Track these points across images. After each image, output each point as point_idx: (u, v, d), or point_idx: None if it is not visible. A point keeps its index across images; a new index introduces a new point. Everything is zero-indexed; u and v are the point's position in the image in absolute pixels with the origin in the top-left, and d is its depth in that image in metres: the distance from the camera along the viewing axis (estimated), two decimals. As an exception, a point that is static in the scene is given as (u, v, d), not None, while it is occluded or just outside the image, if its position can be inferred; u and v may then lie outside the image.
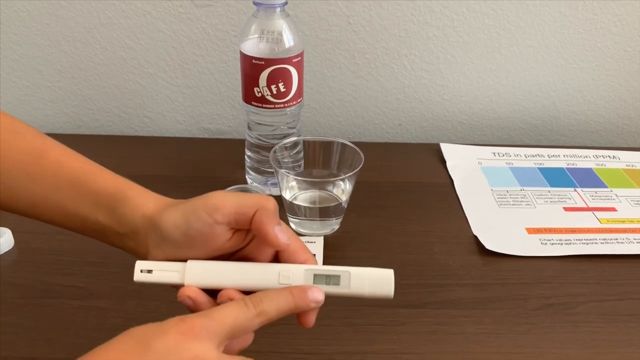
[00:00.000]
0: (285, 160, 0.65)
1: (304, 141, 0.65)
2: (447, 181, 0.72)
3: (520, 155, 0.78)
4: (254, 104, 0.62)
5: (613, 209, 0.67)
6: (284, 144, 0.63)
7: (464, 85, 0.81)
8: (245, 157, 0.68)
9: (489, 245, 0.59)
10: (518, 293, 0.54)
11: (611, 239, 0.61)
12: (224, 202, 0.37)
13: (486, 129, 0.85)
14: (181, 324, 0.34)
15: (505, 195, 0.69)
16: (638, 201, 0.68)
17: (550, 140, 0.85)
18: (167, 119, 0.84)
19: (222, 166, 0.73)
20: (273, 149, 0.61)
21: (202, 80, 0.81)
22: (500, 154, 0.78)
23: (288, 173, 0.61)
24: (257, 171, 0.67)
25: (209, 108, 0.83)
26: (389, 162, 0.76)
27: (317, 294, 0.37)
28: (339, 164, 0.62)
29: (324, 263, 0.56)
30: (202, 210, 0.37)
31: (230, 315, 0.34)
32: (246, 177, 0.69)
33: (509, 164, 0.76)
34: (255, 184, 0.68)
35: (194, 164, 0.74)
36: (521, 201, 0.68)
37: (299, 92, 0.63)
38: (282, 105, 0.62)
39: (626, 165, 0.76)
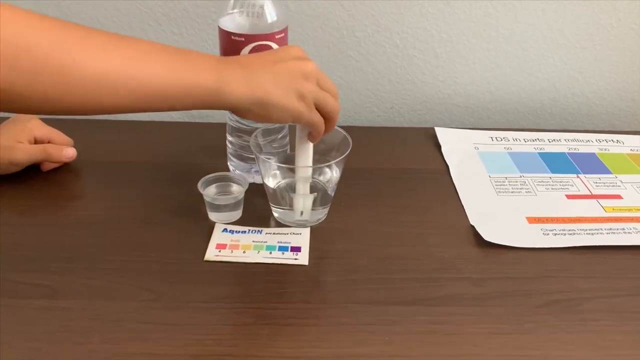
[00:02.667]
0: (270, 145, 0.60)
1: (290, 125, 0.60)
2: (442, 167, 0.68)
3: (519, 140, 0.73)
4: (234, 84, 0.58)
5: (618, 197, 0.63)
6: (267, 127, 0.58)
7: (459, 65, 0.77)
8: (227, 142, 0.63)
9: (487, 237, 0.55)
10: (520, 288, 0.50)
11: (617, 229, 0.57)
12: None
13: (483, 112, 0.80)
14: None
15: (503, 182, 0.65)
16: (644, 188, 0.64)
17: (550, 124, 0.81)
18: (144, 102, 0.78)
19: (203, 152, 0.68)
20: (254, 134, 0.56)
21: (181, 60, 0.76)
22: (498, 139, 0.74)
23: (269, 159, 0.57)
24: (240, 158, 0.62)
25: (189, 90, 0.78)
26: (380, 147, 0.72)
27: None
28: (325, 149, 0.58)
29: (311, 256, 0.52)
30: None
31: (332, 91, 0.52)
32: (228, 164, 0.64)
33: (508, 149, 0.71)
34: (237, 171, 0.63)
35: (173, 150, 0.69)
36: (521, 188, 0.63)
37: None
38: (265, 85, 0.57)
39: (630, 149, 0.72)
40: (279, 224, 0.57)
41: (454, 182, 0.64)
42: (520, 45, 0.76)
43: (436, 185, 0.64)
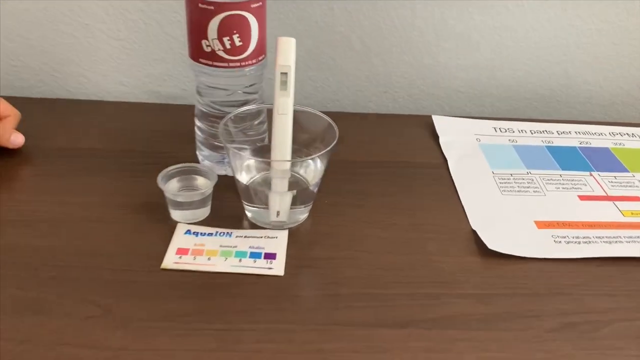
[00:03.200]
0: (244, 133, 0.53)
1: (268, 110, 0.52)
2: (440, 161, 0.60)
3: (526, 132, 0.66)
4: (203, 61, 0.49)
5: (637, 199, 0.56)
6: (239, 113, 0.50)
7: (462, 46, 0.69)
8: (195, 129, 0.55)
9: (491, 244, 0.48)
10: (530, 308, 0.43)
11: (638, 237, 0.50)
12: None
13: (486, 99, 0.73)
14: None
15: (508, 179, 0.57)
16: (666, 189, 0.58)
17: (559, 114, 0.74)
18: (108, 79, 0.70)
19: (172, 139, 0.60)
20: (223, 120, 0.48)
21: (148, 33, 0.67)
22: (502, 129, 0.66)
23: (240, 150, 0.49)
24: (211, 147, 0.54)
25: (158, 67, 0.69)
26: (371, 136, 0.64)
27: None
28: (308, 139, 0.50)
29: (287, 265, 0.45)
30: None
31: None
32: (197, 153, 0.56)
33: (513, 141, 0.64)
34: (207, 162, 0.55)
35: (138, 135, 0.61)
36: (528, 187, 0.56)
37: (260, 48, 0.50)
38: (238, 63, 0.49)
39: (648, 145, 0.65)
40: (253, 225, 0.49)
41: (453, 178, 0.57)
42: (530, 24, 0.68)
43: (433, 181, 0.57)
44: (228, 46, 0.48)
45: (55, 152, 0.58)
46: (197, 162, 0.56)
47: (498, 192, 0.55)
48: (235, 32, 0.48)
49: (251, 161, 0.51)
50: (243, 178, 0.48)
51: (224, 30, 0.47)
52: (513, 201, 0.54)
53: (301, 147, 0.50)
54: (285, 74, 0.48)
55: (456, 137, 0.64)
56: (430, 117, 0.67)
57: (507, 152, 0.62)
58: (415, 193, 0.55)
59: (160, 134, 0.62)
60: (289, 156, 0.48)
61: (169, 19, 0.66)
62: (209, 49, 0.48)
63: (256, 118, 0.53)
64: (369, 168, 0.58)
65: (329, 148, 0.47)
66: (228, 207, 0.51)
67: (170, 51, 0.68)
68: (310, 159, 0.49)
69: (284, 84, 0.48)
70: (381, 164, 0.59)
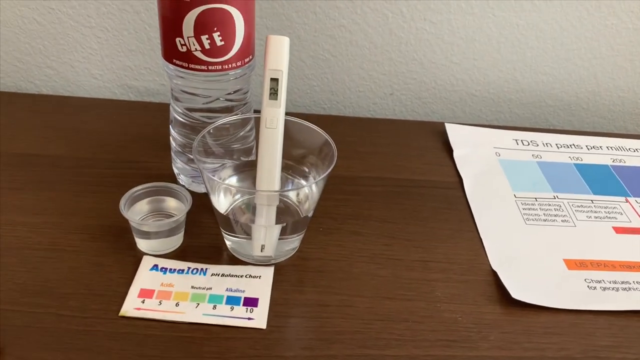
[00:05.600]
0: (227, 145, 0.45)
1: (255, 119, 0.44)
2: (453, 179, 0.52)
3: (551, 145, 0.58)
4: (177, 62, 0.41)
5: (681, 232, 0.49)
6: (219, 125, 0.42)
7: (479, 44, 0.61)
8: (170, 139, 0.47)
9: (515, 292, 0.40)
10: (561, 377, 0.36)
11: (686, 283, 0.43)
12: None
13: (504, 105, 0.65)
14: None
15: (533, 205, 0.50)
16: None
17: (585, 123, 0.66)
18: (78, 72, 0.62)
19: (147, 145, 0.53)
20: (198, 136, 0.40)
21: (123, 20, 0.59)
22: (525, 142, 0.58)
23: (219, 166, 0.41)
24: (187, 159, 0.47)
25: (134, 59, 0.61)
26: (374, 146, 0.56)
27: None
28: (303, 154, 0.43)
29: (271, 313, 0.37)
30: None
31: None
32: (173, 166, 0.49)
33: (537, 156, 0.56)
34: (183, 177, 0.48)
35: (108, 139, 0.53)
36: (555, 215, 0.49)
37: (247, 48, 0.42)
38: (220, 66, 0.41)
39: (689, 164, 0.58)
40: (233, 258, 0.42)
41: (469, 202, 0.49)
42: (557, 23, 0.60)
43: (446, 205, 0.49)
44: (207, 46, 0.40)
45: (10, 159, 0.50)
46: (173, 174, 0.49)
47: (522, 220, 0.48)
48: (215, 29, 0.39)
49: (230, 182, 0.43)
50: (221, 204, 0.41)
51: (202, 26, 0.39)
52: (539, 233, 0.46)
53: (293, 163, 0.43)
54: (276, 80, 0.40)
55: (473, 150, 0.56)
56: (442, 124, 0.59)
57: (530, 170, 0.54)
58: (423, 219, 0.47)
59: (133, 139, 0.54)
60: (277, 178, 0.40)
61: (146, 4, 0.58)
62: (184, 49, 0.40)
63: (242, 128, 0.46)
64: (370, 186, 0.51)
65: (325, 174, 0.39)
66: (205, 234, 0.43)
67: (147, 41, 0.60)
68: (302, 187, 0.41)
69: (274, 92, 0.40)
70: (384, 181, 0.51)
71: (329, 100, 0.64)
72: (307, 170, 0.43)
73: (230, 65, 0.41)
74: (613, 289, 0.42)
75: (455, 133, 0.58)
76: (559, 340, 0.38)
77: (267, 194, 0.40)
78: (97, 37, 0.59)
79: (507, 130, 0.59)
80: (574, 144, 0.58)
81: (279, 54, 0.40)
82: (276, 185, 0.40)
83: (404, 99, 0.64)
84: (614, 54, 0.61)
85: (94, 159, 0.51)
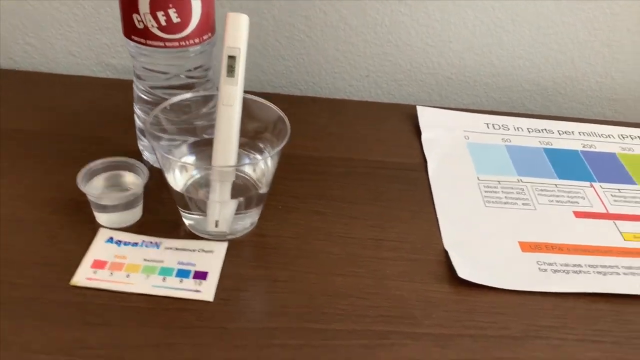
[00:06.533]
0: (192, 124, 0.45)
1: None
2: (419, 161, 0.53)
3: (522, 129, 0.58)
4: (135, 39, 0.42)
5: (642, 218, 0.49)
6: (175, 102, 0.43)
7: (455, 27, 0.60)
8: (135, 116, 0.48)
9: (462, 271, 0.40)
10: (497, 355, 0.36)
11: (639, 268, 0.43)
12: None
13: (480, 89, 0.65)
14: None
15: (495, 187, 0.50)
16: (676, 207, 0.50)
17: (562, 109, 0.66)
18: (56, 49, 0.63)
19: (119, 122, 0.53)
20: (153, 112, 0.41)
21: (100, -2, 0.60)
22: (496, 126, 0.58)
23: (169, 152, 0.42)
24: (159, 138, 0.47)
25: (111, 37, 0.61)
26: (345, 127, 0.57)
27: None
28: (258, 129, 0.43)
29: (220, 287, 0.38)
30: None
31: None
32: (138, 143, 0.50)
33: (506, 140, 0.56)
34: (147, 153, 0.48)
35: (82, 117, 0.54)
36: (517, 198, 0.49)
37: (206, 25, 0.42)
38: (177, 43, 0.42)
39: (661, 151, 0.57)
40: (192, 234, 0.43)
41: (431, 184, 0.50)
42: (534, 6, 0.59)
43: (408, 187, 0.49)
44: (163, 22, 0.40)
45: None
46: (139, 151, 0.49)
47: (481, 203, 0.48)
48: (171, 5, 0.40)
49: (187, 160, 0.44)
50: (177, 181, 0.42)
51: (158, 3, 0.39)
52: (497, 215, 0.47)
53: (249, 140, 0.43)
54: (234, 57, 0.40)
55: (442, 132, 0.56)
56: (415, 107, 0.60)
57: (498, 154, 0.54)
58: (384, 200, 0.48)
59: (106, 116, 0.54)
60: (233, 155, 0.41)
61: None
62: (141, 25, 0.41)
63: (204, 105, 0.46)
64: (336, 166, 0.51)
65: (278, 149, 0.40)
66: (165, 210, 0.44)
67: (125, 20, 0.60)
68: (256, 161, 0.42)
69: (231, 69, 0.40)
70: (351, 162, 0.52)
71: (305, 82, 0.64)
72: (262, 146, 0.43)
73: (188, 42, 0.42)
74: (564, 271, 0.42)
75: (426, 116, 0.58)
76: (501, 319, 0.38)
77: (221, 170, 0.40)
78: (74, 14, 0.60)
79: (479, 114, 0.59)
80: (545, 129, 0.58)
81: (237, 32, 0.40)
82: (232, 162, 0.40)
83: (380, 81, 0.64)
84: (592, 39, 0.61)
85: (66, 134, 0.52)
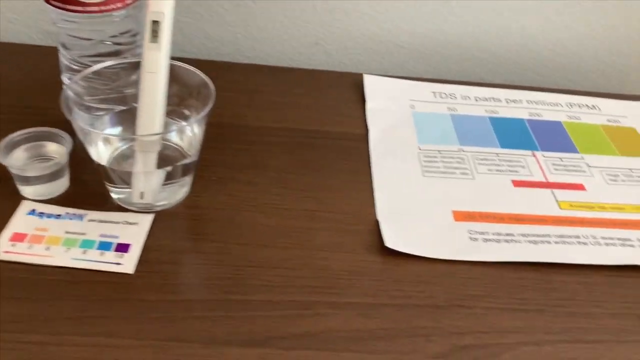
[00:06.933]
0: (122, 92, 0.44)
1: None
2: (362, 132, 0.52)
3: (469, 98, 0.57)
4: (54, 3, 0.40)
5: (580, 187, 0.48)
6: (95, 71, 0.41)
7: (405, -7, 0.59)
8: (63, 86, 0.46)
9: (390, 241, 0.40)
10: (421, 324, 0.36)
11: (570, 236, 0.43)
12: None
13: (432, 57, 0.63)
14: None
15: (435, 157, 0.49)
16: (616, 176, 0.50)
17: (514, 78, 0.64)
18: (-7, 16, 0.60)
19: (53, 91, 0.52)
20: (75, 77, 0.39)
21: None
22: (443, 95, 0.57)
23: (92, 124, 0.41)
24: (82, 107, 0.46)
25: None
26: (289, 97, 0.55)
27: None
28: (182, 94, 0.42)
29: (142, 260, 0.37)
30: None
31: None
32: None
33: (452, 109, 0.56)
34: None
35: (15, 85, 0.52)
36: (456, 168, 0.48)
37: (130, -12, 0.41)
38: (97, 7, 0.40)
39: (607, 120, 0.57)
40: (119, 207, 0.42)
41: (371, 154, 0.49)
42: (486, -29, 0.58)
43: (347, 157, 0.49)
44: (81, -15, 0.39)
45: None
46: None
47: (420, 173, 0.48)
48: (87, -34, 0.38)
49: (114, 131, 0.43)
50: (101, 154, 0.40)
51: (73, -35, 0.38)
52: (434, 185, 0.46)
53: (175, 107, 0.42)
54: (157, 22, 0.39)
55: (387, 102, 0.55)
56: (362, 76, 0.58)
57: (442, 123, 0.53)
58: (321, 170, 0.47)
59: (40, 84, 0.52)
60: (158, 124, 0.39)
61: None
62: (58, -11, 0.39)
63: (134, 72, 0.45)
64: (276, 136, 0.50)
65: (202, 114, 0.39)
66: (94, 180, 0.43)
67: (62, -15, 0.58)
68: (181, 127, 0.41)
69: (155, 35, 0.39)
70: (291, 132, 0.51)
71: (253, 49, 0.62)
72: (189, 113, 0.42)
73: (109, 7, 0.40)
74: (495, 240, 0.42)
75: (373, 85, 0.57)
76: (427, 288, 0.38)
77: (145, 140, 0.39)
78: (9, -21, 0.58)
79: (427, 83, 0.58)
80: (493, 97, 0.57)
81: (161, -4, 0.39)
82: (157, 130, 0.39)
83: (330, 49, 0.63)
84: (542, 6, 0.60)
85: (-2, 104, 0.50)
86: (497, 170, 0.48)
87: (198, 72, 0.41)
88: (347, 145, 0.50)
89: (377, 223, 0.42)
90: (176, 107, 0.42)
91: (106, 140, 0.41)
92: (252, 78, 0.58)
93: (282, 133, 0.51)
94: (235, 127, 0.50)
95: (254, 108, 0.53)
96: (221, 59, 0.63)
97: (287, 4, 0.59)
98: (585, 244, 0.42)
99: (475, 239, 0.42)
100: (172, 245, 0.39)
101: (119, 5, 0.41)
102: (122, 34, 0.43)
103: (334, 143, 0.50)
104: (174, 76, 0.41)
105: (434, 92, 0.57)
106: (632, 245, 0.42)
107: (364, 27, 0.61)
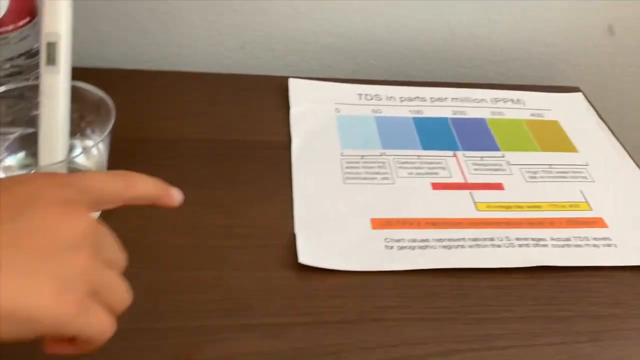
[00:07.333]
0: (29, 115, 0.43)
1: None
2: (285, 139, 0.51)
3: (395, 99, 0.57)
4: (-62, 28, 0.39)
5: (499, 186, 0.49)
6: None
7: (327, -7, 0.58)
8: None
9: (304, 256, 0.40)
10: (331, 341, 0.36)
11: (485, 239, 0.43)
12: None
13: (360, 56, 0.63)
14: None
15: (357, 162, 0.49)
16: (535, 173, 0.50)
17: (443, 73, 0.65)
18: None
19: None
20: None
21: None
22: (368, 96, 0.57)
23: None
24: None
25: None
26: (211, 105, 0.54)
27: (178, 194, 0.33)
28: (82, 117, 0.41)
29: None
30: None
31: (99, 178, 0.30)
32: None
33: (377, 111, 0.55)
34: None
35: None
36: (377, 173, 0.48)
37: (22, 8, 0.39)
38: (-14, 31, 0.39)
39: (531, 114, 0.57)
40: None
41: (292, 163, 0.49)
42: (407, -32, 0.57)
43: (269, 167, 0.48)
44: (-36, 8, 0.37)
45: None
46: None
47: (341, 180, 0.47)
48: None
49: (9, 160, 0.41)
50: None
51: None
52: (355, 192, 0.46)
53: (77, 127, 0.41)
54: (54, 44, 0.37)
55: (312, 106, 0.55)
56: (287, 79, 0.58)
57: (366, 127, 0.53)
58: (241, 183, 0.46)
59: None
60: (61, 150, 0.38)
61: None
62: (-59, 13, 0.37)
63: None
64: (195, 149, 0.49)
65: (104, 135, 0.38)
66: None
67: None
68: (89, 145, 0.40)
69: (52, 57, 0.38)
70: (212, 143, 0.50)
71: (177, 55, 0.61)
72: (91, 132, 0.41)
73: (2, 29, 0.39)
74: (410, 247, 0.42)
75: (298, 89, 0.56)
76: (340, 303, 0.38)
77: (48, 168, 0.38)
78: None
79: (353, 84, 0.58)
80: (418, 97, 0.57)
81: (56, 15, 0.37)
82: (59, 158, 0.38)
83: (257, 51, 0.62)
84: (466, 1, 0.60)
85: None
86: (417, 174, 0.49)
87: (95, 89, 0.40)
88: (271, 155, 0.50)
89: (294, 237, 0.42)
90: (79, 127, 0.41)
91: (8, 169, 0.40)
92: (175, 86, 0.57)
93: (202, 145, 0.50)
94: (154, 141, 0.49)
95: (175, 119, 0.52)
96: (146, 66, 0.61)
97: (206, 8, 0.58)
98: (499, 246, 0.42)
99: (391, 247, 0.42)
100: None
101: (10, 28, 0.39)
102: (20, 55, 0.41)
103: (256, 153, 0.50)
104: (73, 96, 0.40)
105: (359, 94, 0.57)
106: (545, 245, 0.43)
107: (288, 28, 0.60)
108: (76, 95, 0.40)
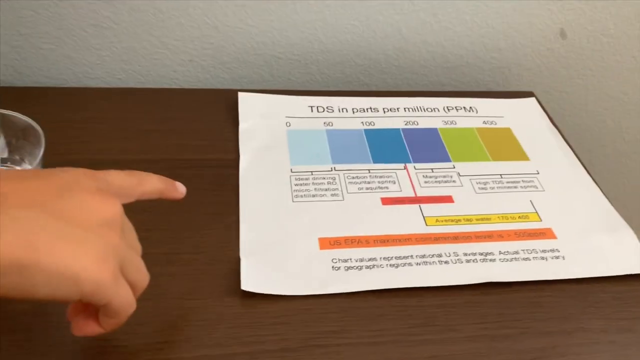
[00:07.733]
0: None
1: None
2: (233, 157, 0.50)
3: (347, 110, 0.56)
4: None
5: (449, 199, 0.48)
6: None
7: (274, 6, 0.57)
8: None
9: (247, 282, 0.39)
10: (271, 371, 0.36)
11: (433, 255, 0.43)
12: None
13: (312, 66, 0.62)
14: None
15: (307, 179, 0.48)
16: (485, 183, 0.50)
17: (397, 81, 0.64)
18: None
19: None
20: None
21: None
22: (320, 109, 0.56)
23: None
24: None
25: None
26: (158, 122, 0.53)
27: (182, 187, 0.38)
28: (15, 146, 0.40)
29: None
30: None
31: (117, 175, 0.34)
32: None
33: (328, 124, 0.55)
34: None
35: None
36: (326, 190, 0.48)
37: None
38: None
39: (484, 122, 0.57)
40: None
41: (240, 182, 0.48)
42: (356, -24, 0.56)
43: (215, 187, 0.47)
44: None
45: None
46: None
47: (289, 198, 0.46)
48: None
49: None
50: None
51: None
52: (303, 211, 0.45)
53: (10, 156, 0.40)
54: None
55: (261, 121, 0.54)
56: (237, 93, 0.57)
57: (317, 141, 0.52)
58: (185, 206, 0.44)
59: None
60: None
61: None
62: None
63: None
64: (140, 170, 0.48)
65: (36, 161, 0.37)
66: None
67: None
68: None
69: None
70: (158, 163, 0.49)
71: (124, 71, 0.59)
72: (24, 160, 0.40)
73: None
74: (357, 267, 0.41)
75: (247, 103, 0.55)
76: (283, 330, 0.37)
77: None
78: None
79: (304, 97, 0.57)
80: (370, 107, 0.57)
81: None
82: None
83: (206, 65, 0.60)
84: (416, 9, 0.59)
85: None
86: (367, 189, 0.48)
87: (21, 116, 0.39)
88: (219, 174, 0.49)
89: (238, 261, 0.41)
90: (11, 156, 0.40)
91: None
92: (121, 104, 0.55)
93: (147, 166, 0.48)
94: (95, 164, 0.47)
95: (119, 139, 0.51)
96: (93, 84, 0.60)
97: (151, 22, 0.56)
98: (446, 262, 0.42)
99: (338, 269, 0.41)
100: (14, 309, 0.37)
101: None
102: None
103: (205, 172, 0.48)
104: (4, 126, 0.39)
105: (310, 107, 0.56)
106: (493, 260, 0.43)
107: (237, 41, 0.59)
108: (5, 123, 0.39)
